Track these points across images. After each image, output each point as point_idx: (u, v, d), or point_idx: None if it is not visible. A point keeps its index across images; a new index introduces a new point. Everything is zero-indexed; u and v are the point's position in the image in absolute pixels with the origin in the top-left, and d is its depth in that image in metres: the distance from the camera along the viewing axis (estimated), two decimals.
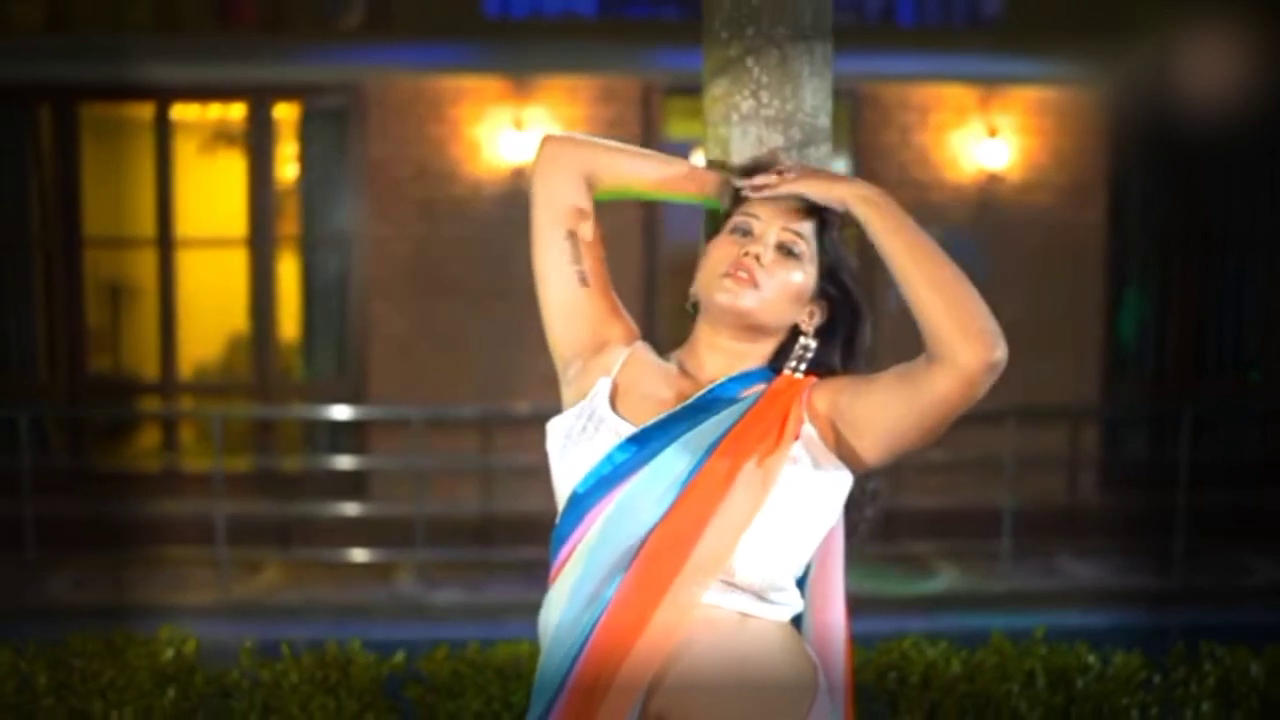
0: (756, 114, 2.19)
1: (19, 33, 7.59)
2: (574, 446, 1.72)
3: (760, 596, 1.64)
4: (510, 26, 7.93)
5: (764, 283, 1.72)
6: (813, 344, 1.78)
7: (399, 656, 2.86)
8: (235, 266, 8.00)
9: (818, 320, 1.80)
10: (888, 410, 1.65)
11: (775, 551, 1.63)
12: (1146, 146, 8.23)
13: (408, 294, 7.83)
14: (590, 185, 1.95)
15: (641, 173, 1.97)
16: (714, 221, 1.96)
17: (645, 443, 1.67)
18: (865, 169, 7.95)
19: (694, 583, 1.59)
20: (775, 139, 2.20)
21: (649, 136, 7.80)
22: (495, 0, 7.94)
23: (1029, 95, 8.01)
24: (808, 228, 1.76)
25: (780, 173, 1.77)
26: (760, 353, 1.79)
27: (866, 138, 7.99)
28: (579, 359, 1.84)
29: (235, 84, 7.91)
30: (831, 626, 1.80)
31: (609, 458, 1.67)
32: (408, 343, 7.84)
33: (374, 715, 2.60)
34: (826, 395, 1.70)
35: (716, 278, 1.74)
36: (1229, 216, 8.43)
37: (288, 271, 8.11)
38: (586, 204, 1.94)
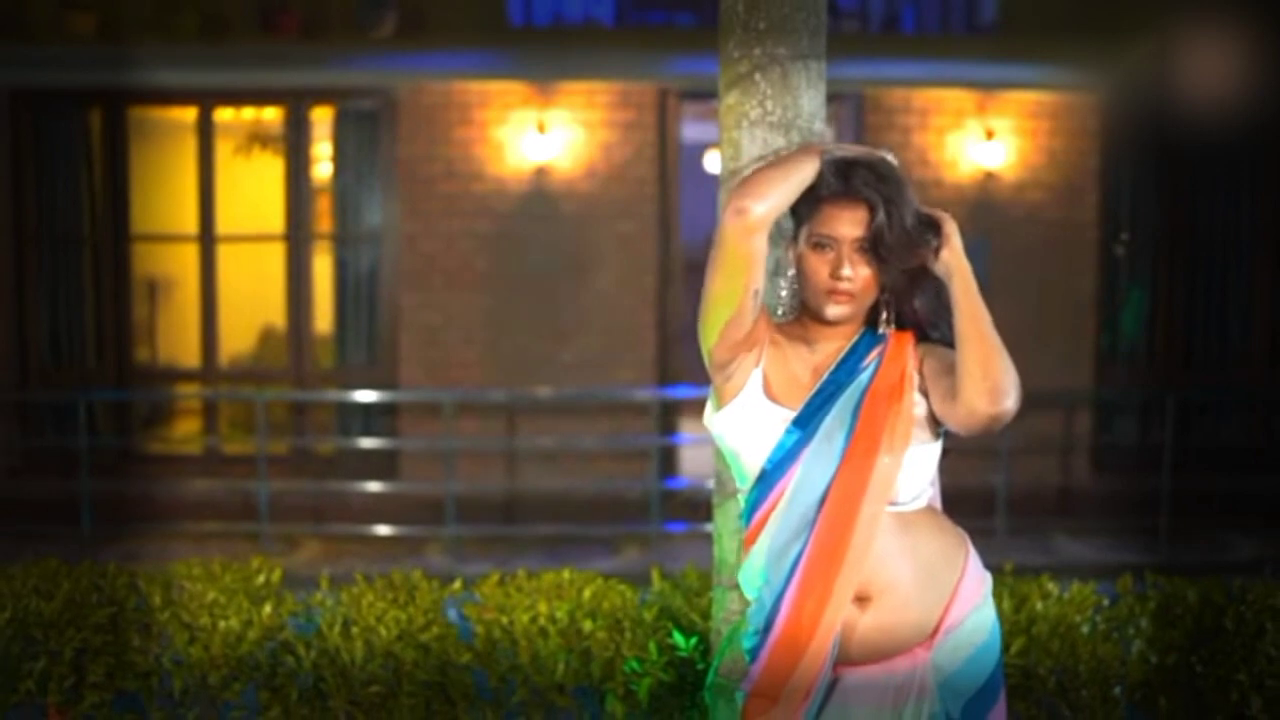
0: (763, 120, 2.67)
1: (72, 41, 7.96)
2: (751, 432, 2.20)
3: (916, 499, 2.19)
4: (533, 34, 8.24)
5: (856, 292, 2.17)
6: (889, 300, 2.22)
7: (457, 583, 3.34)
8: (273, 261, 8.34)
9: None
10: (935, 394, 2.17)
11: (920, 474, 2.17)
12: (1136, 148, 8.55)
13: (436, 286, 8.15)
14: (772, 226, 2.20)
15: (805, 183, 2.16)
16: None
17: (807, 423, 2.17)
18: None
19: (875, 504, 2.11)
20: (778, 141, 2.67)
21: (664, 139, 8.10)
22: (519, 9, 8.25)
23: (1024, 99, 8.30)
24: (866, 229, 2.15)
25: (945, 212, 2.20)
26: (860, 319, 2.25)
27: (870, 138, 8.22)
28: (735, 362, 2.23)
29: (275, 88, 8.28)
30: None
31: (783, 441, 2.17)
32: (436, 332, 8.17)
33: (438, 628, 3.07)
34: (923, 357, 2.21)
35: (822, 295, 2.17)
36: (1215, 214, 8.73)
37: (322, 265, 8.44)
38: (765, 253, 2.16)
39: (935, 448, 2.21)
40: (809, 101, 2.67)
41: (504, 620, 3.09)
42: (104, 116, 8.31)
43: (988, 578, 2.27)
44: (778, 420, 2.18)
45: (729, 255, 2.12)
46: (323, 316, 8.51)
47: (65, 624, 3.15)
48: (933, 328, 2.23)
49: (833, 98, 8.80)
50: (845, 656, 2.15)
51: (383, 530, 7.77)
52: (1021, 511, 7.96)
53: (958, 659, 2.17)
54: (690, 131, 8.66)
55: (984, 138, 8.28)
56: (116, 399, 8.31)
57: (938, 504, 2.30)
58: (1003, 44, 8.33)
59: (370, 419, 8.39)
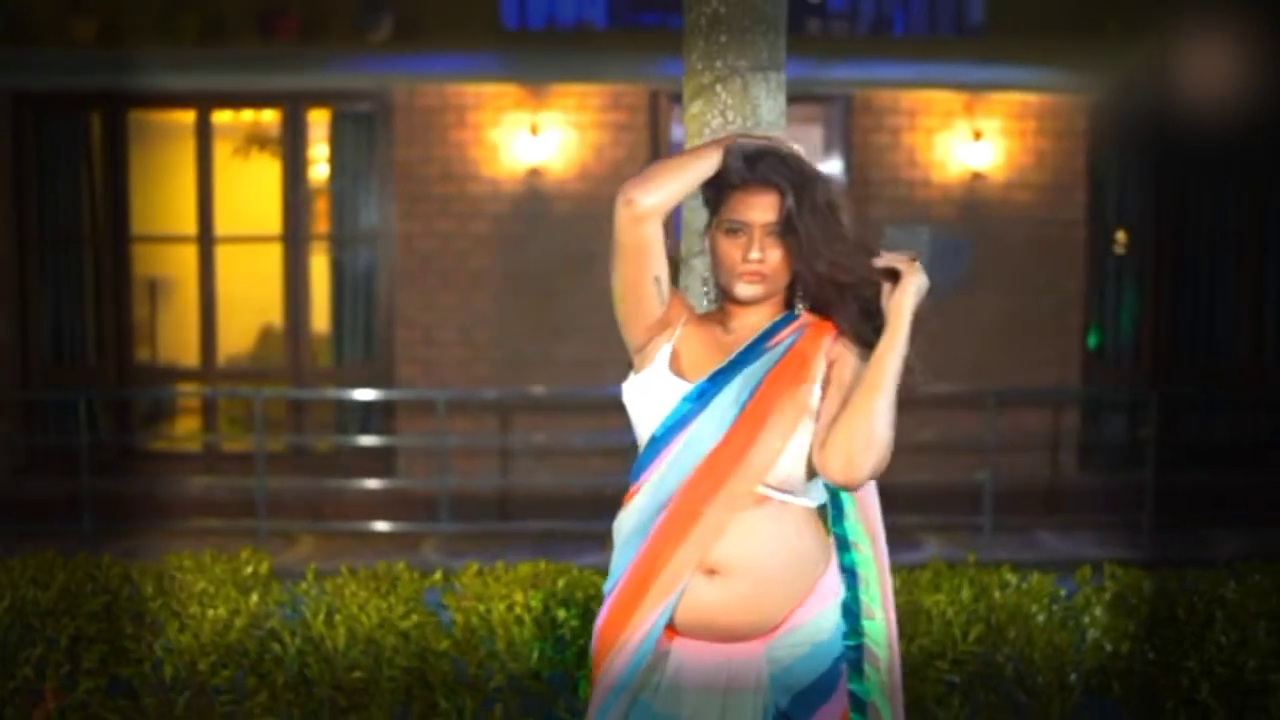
0: (724, 128, 2.79)
1: (74, 46, 8.06)
2: (650, 402, 2.27)
3: (793, 492, 2.21)
4: (528, 37, 8.35)
5: (768, 273, 2.24)
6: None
7: (438, 574, 3.47)
8: (271, 261, 8.45)
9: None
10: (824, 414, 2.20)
11: (805, 466, 2.19)
12: (1123, 148, 8.68)
13: (431, 286, 8.26)
14: (665, 215, 2.27)
15: (705, 173, 2.25)
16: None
17: (702, 395, 2.23)
18: (858, 169, 8.39)
19: (742, 485, 2.16)
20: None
21: (656, 139, 8.23)
22: (514, 13, 8.38)
23: (1012, 100, 8.40)
24: (777, 213, 2.22)
25: (913, 259, 2.23)
26: (777, 300, 2.32)
27: (859, 139, 8.39)
28: (651, 343, 2.32)
29: (272, 91, 8.39)
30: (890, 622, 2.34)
31: (676, 409, 2.23)
32: (431, 331, 8.28)
33: (418, 616, 3.19)
34: (835, 362, 2.22)
35: (734, 277, 2.25)
36: (1201, 214, 8.85)
37: (319, 265, 8.55)
38: (663, 239, 2.25)
39: None
40: (768, 111, 2.78)
41: (481, 609, 3.22)
42: (104, 119, 8.42)
43: (841, 591, 2.28)
44: (676, 392, 2.24)
45: (621, 244, 2.22)
46: (320, 316, 8.61)
47: (61, 613, 3.28)
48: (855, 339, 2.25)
49: (822, 99, 8.99)
50: (685, 627, 2.18)
51: (379, 526, 7.89)
52: (1007, 508, 8.06)
53: (793, 654, 2.19)
54: (681, 133, 8.76)
55: (972, 138, 8.38)
56: (117, 398, 8.43)
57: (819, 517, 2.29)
58: (991, 46, 8.42)
59: (367, 417, 8.50)
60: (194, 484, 8.25)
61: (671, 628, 2.20)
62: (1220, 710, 3.15)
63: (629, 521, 2.25)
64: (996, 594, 3.32)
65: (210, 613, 3.16)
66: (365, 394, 8.12)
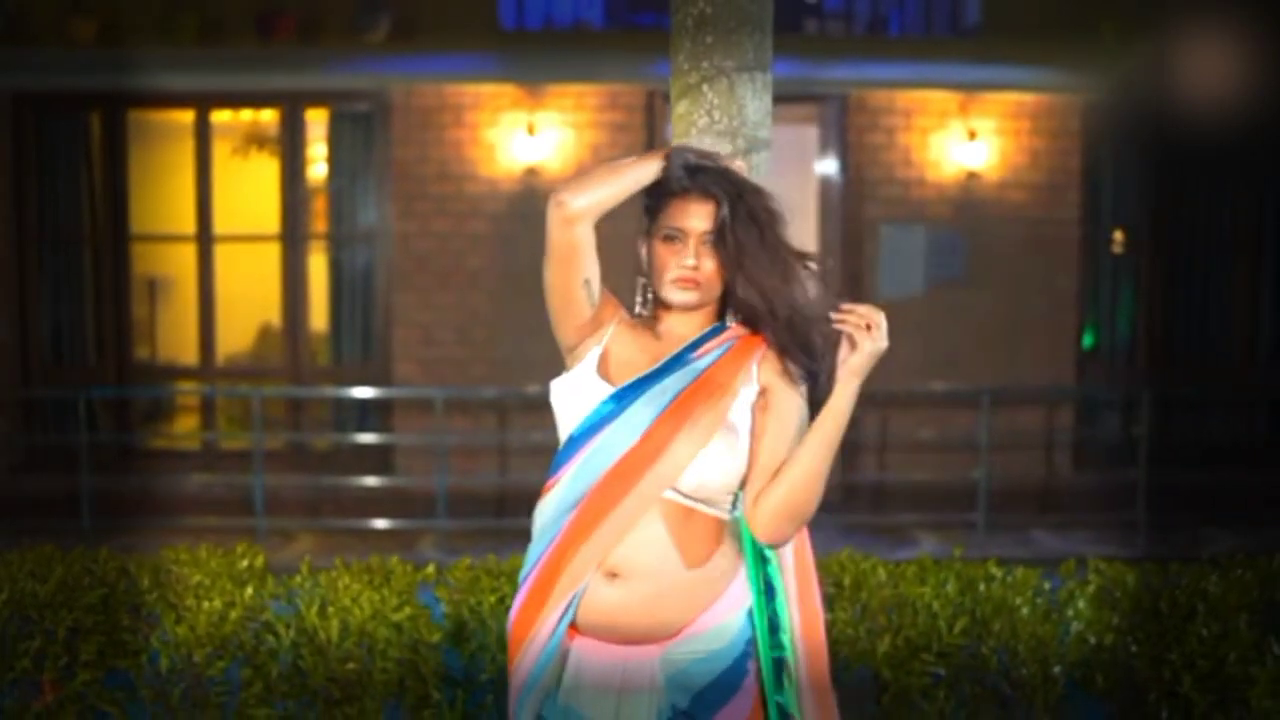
0: (710, 128, 2.82)
1: (73, 46, 8.12)
2: (573, 401, 2.31)
3: (705, 502, 2.22)
4: (525, 37, 8.40)
5: (702, 281, 2.27)
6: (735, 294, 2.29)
7: (430, 568, 3.52)
8: (269, 260, 8.50)
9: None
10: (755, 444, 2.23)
11: (716, 475, 2.21)
12: (1118, 148, 8.73)
13: (429, 285, 8.32)
14: (596, 219, 2.31)
15: (640, 182, 2.30)
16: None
17: (622, 399, 2.26)
18: (853, 168, 8.43)
19: (651, 489, 2.18)
20: (724, 148, 2.82)
21: (653, 139, 8.26)
22: (511, 13, 8.43)
23: (1006, 100, 8.45)
24: (713, 222, 2.26)
25: (869, 327, 2.17)
26: (710, 310, 2.35)
27: (855, 138, 8.43)
28: (582, 344, 2.36)
29: (271, 91, 8.44)
30: (813, 621, 2.35)
31: (597, 410, 2.26)
32: (429, 330, 8.34)
33: (410, 609, 3.24)
34: (768, 387, 2.23)
35: (669, 283, 2.28)
36: (1195, 213, 8.88)
37: (318, 265, 8.60)
38: (594, 244, 2.29)
39: (743, 452, 2.22)
40: (754, 111, 2.82)
41: (473, 602, 3.26)
42: (104, 119, 8.48)
43: (749, 601, 2.29)
44: (598, 394, 2.27)
45: (552, 245, 2.28)
46: (318, 315, 8.65)
47: (59, 605, 3.33)
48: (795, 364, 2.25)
49: (818, 98, 9.02)
50: (586, 626, 2.21)
51: (377, 524, 7.93)
52: (1002, 507, 8.10)
53: (691, 659, 2.20)
54: None
55: (967, 138, 8.42)
56: (116, 396, 8.47)
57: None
58: (986, 46, 8.48)
59: (365, 415, 8.56)
60: (193, 482, 8.29)
61: (575, 626, 2.22)
62: (1201, 702, 3.20)
63: (543, 515, 2.27)
64: (982, 587, 3.37)
65: (206, 605, 3.20)
66: (363, 392, 8.17)
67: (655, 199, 2.33)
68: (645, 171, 2.30)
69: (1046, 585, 3.44)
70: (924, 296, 8.28)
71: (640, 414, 2.22)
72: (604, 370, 2.31)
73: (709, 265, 2.26)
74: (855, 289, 8.34)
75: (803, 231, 10.51)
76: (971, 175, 8.45)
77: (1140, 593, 3.35)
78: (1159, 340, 8.89)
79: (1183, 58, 7.77)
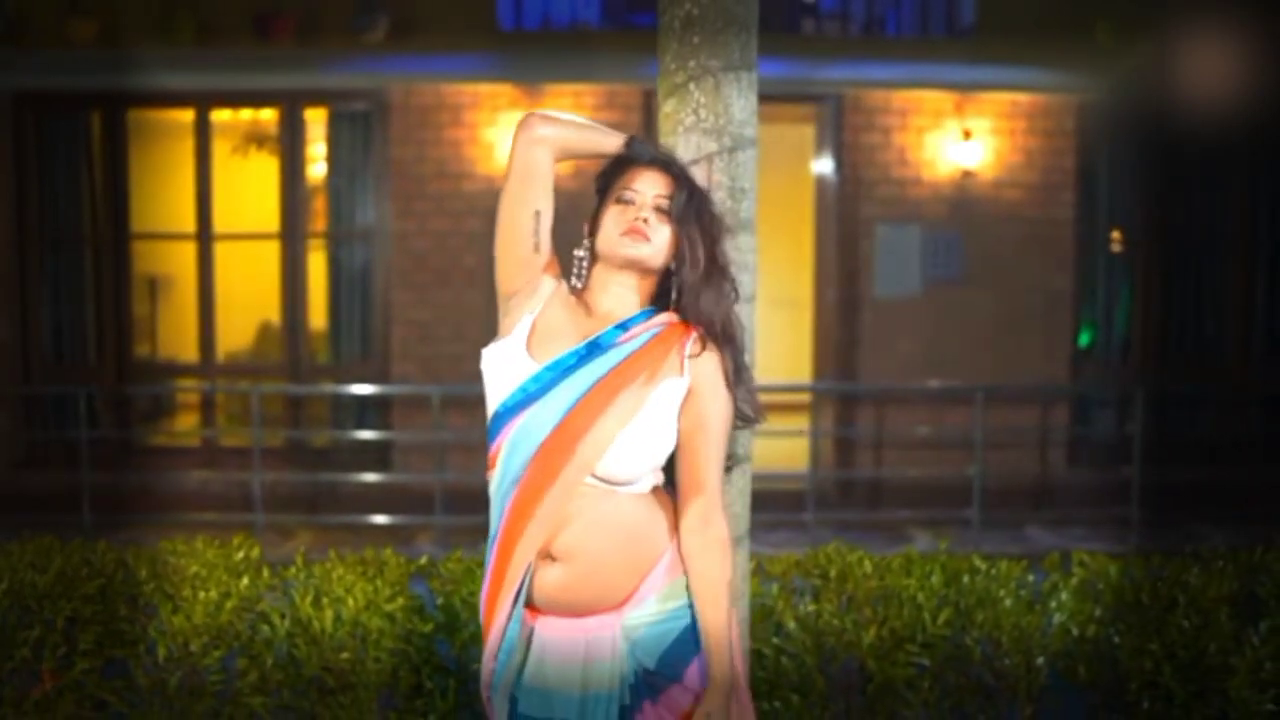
0: (696, 126, 2.88)
1: (73, 46, 8.16)
2: (500, 375, 2.33)
3: (624, 484, 2.28)
4: (522, 37, 8.42)
5: (653, 237, 2.32)
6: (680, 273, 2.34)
7: (424, 559, 3.57)
8: (268, 259, 8.55)
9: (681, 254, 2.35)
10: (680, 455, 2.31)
11: (636, 458, 2.26)
12: (1113, 147, 8.76)
13: (427, 283, 8.35)
14: (561, 159, 2.38)
15: (602, 146, 2.40)
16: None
17: (544, 378, 2.28)
18: (849, 168, 8.46)
19: (574, 476, 2.23)
20: (710, 145, 2.88)
21: (649, 138, 8.28)
22: (509, 13, 8.45)
23: (1002, 100, 8.50)
24: (671, 193, 2.34)
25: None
26: (645, 290, 2.38)
27: (851, 138, 8.47)
28: (517, 295, 2.40)
29: (270, 91, 8.48)
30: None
31: (522, 387, 2.28)
32: (427, 327, 8.37)
33: (403, 599, 3.29)
34: (696, 386, 2.29)
35: (617, 237, 2.32)
36: (1190, 212, 8.91)
37: (317, 263, 8.64)
38: (551, 180, 2.35)
39: (662, 438, 2.27)
40: (740, 110, 2.88)
41: (464, 592, 3.31)
42: (104, 119, 8.52)
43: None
44: (523, 371, 2.29)
45: (513, 163, 2.32)
46: (317, 313, 8.69)
47: (58, 595, 3.38)
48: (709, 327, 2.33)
49: (814, 98, 9.03)
50: (541, 604, 2.28)
51: (375, 520, 7.97)
52: (997, 504, 8.13)
53: (649, 619, 2.27)
54: None
55: (962, 138, 8.47)
56: (117, 393, 8.51)
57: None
58: (981, 46, 8.51)
59: (363, 412, 8.59)
60: (192, 478, 8.33)
61: (533, 606, 2.29)
62: (1182, 692, 3.24)
63: (491, 493, 2.33)
64: (966, 579, 3.41)
65: (202, 595, 3.26)
66: (362, 389, 8.20)
67: (614, 169, 2.39)
68: (608, 141, 2.38)
69: (1030, 577, 3.49)
70: (920, 295, 8.34)
71: (561, 396, 2.25)
72: (531, 344, 2.33)
73: (661, 232, 2.32)
74: (851, 288, 8.40)
75: (799, 231, 10.53)
76: (967, 175, 8.50)
77: (1122, 585, 3.40)
78: (1153, 339, 8.93)
79: (1178, 57, 7.81)
